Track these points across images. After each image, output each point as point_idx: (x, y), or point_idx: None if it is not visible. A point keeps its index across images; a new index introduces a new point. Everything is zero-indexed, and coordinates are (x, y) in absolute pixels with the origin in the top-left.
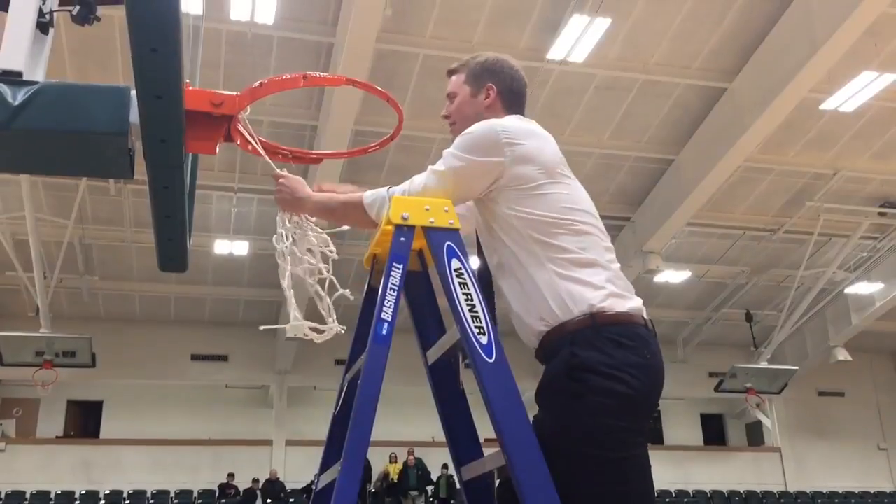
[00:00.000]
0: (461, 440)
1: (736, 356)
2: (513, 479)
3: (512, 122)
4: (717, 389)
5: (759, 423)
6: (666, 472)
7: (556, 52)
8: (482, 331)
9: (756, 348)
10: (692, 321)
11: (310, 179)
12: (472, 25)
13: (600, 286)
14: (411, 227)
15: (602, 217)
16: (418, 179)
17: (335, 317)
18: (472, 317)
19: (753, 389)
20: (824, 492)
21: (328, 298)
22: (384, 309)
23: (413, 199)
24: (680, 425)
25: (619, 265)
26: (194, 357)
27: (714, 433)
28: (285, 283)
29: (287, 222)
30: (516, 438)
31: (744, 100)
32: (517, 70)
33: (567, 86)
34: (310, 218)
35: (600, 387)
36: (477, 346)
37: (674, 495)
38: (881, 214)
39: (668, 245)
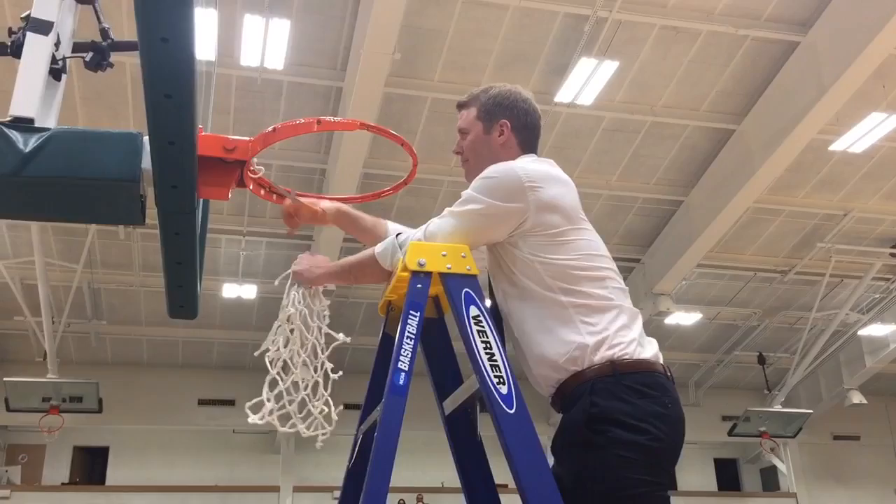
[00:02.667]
0: (479, 491)
1: (749, 399)
2: None
3: (534, 165)
4: (730, 433)
5: (773, 468)
6: None
7: (564, 95)
8: (502, 380)
9: (769, 391)
10: (704, 364)
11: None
12: (480, 69)
13: (621, 333)
14: (428, 274)
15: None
16: (436, 223)
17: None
18: (492, 366)
19: (767, 433)
20: None
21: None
22: (401, 358)
23: (429, 244)
24: (693, 470)
25: (637, 310)
26: (202, 402)
27: (728, 478)
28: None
29: (298, 297)
30: (539, 492)
31: (752, 141)
32: (530, 102)
33: (575, 128)
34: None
35: (622, 439)
36: (497, 396)
37: None
38: (893, 255)
39: (679, 287)
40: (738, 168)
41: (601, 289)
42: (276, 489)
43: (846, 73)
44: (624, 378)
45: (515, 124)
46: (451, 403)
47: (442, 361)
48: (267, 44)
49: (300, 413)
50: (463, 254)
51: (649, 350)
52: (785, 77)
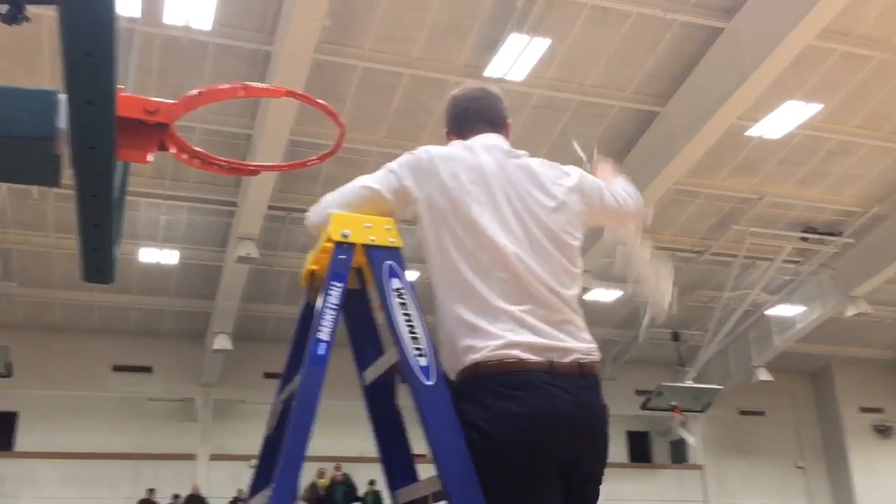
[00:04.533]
0: (396, 463)
1: (663, 375)
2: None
3: (439, 148)
4: (643, 407)
5: (682, 441)
6: None
7: (493, 70)
8: (421, 353)
9: (682, 367)
10: (621, 339)
11: (242, 189)
12: (412, 40)
13: (496, 334)
14: (351, 245)
15: None
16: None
17: None
18: (412, 338)
19: (679, 408)
20: None
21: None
22: (321, 328)
23: (354, 216)
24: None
25: (539, 301)
26: (116, 368)
27: (640, 450)
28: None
29: None
30: (453, 464)
31: (675, 124)
32: (458, 97)
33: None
34: None
35: (477, 444)
36: (415, 368)
37: None
38: (803, 239)
39: (600, 264)
40: (661, 150)
41: (487, 283)
42: (192, 457)
43: (766, 61)
44: (485, 380)
45: (451, 128)
46: (370, 374)
47: (363, 332)
48: (193, 3)
49: None
50: (387, 226)
51: (527, 349)
52: (708, 62)
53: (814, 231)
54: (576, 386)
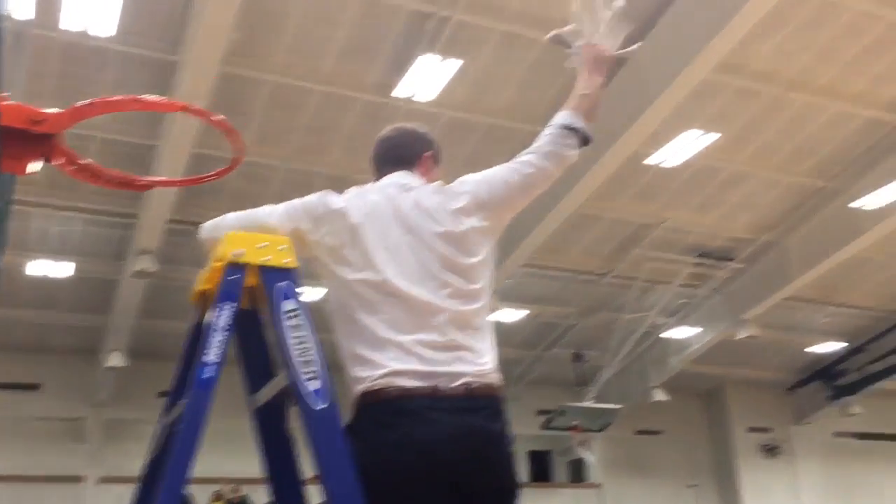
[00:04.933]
0: (285, 488)
1: (563, 395)
2: None
3: (335, 194)
4: (545, 427)
5: (581, 460)
6: None
7: (402, 90)
8: (313, 376)
9: (583, 387)
10: (523, 360)
11: (142, 201)
12: (322, 56)
13: (381, 364)
14: (244, 265)
15: None
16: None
17: None
18: (304, 361)
19: (580, 427)
20: None
21: None
22: (209, 350)
23: (248, 235)
24: None
25: (428, 329)
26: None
27: (540, 470)
28: None
29: None
30: (341, 491)
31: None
32: (376, 140)
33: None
34: None
35: (363, 475)
36: (305, 391)
37: None
38: (698, 264)
39: (504, 284)
40: (566, 174)
41: (372, 316)
42: (79, 479)
43: (667, 91)
44: (367, 411)
45: (373, 172)
46: (262, 397)
47: (255, 354)
48: (93, 8)
49: None
50: (282, 246)
51: (410, 377)
52: (612, 91)
53: (708, 256)
54: (460, 408)
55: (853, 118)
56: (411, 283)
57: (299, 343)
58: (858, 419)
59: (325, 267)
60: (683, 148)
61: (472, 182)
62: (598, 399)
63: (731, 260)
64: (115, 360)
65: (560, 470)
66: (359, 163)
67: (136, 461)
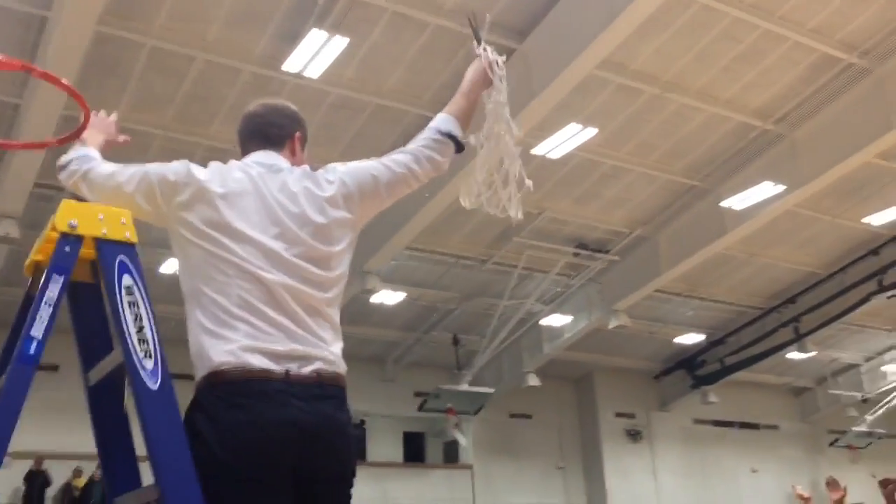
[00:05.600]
0: (118, 468)
1: (441, 377)
2: None
3: (199, 168)
4: (421, 408)
5: (455, 442)
6: (366, 489)
7: (291, 65)
8: (148, 354)
9: (459, 371)
10: (403, 342)
11: (3, 164)
12: (207, 22)
13: (232, 340)
14: (79, 237)
15: None
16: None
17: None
18: (140, 339)
19: (454, 410)
20: None
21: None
22: (35, 325)
23: (85, 205)
24: (384, 443)
25: (282, 311)
26: None
27: (415, 450)
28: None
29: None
30: (173, 472)
31: (466, 136)
32: (244, 114)
33: (300, 99)
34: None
35: (203, 457)
36: (140, 369)
37: None
38: (575, 255)
39: (387, 266)
40: (452, 160)
41: (225, 290)
42: None
43: (553, 84)
44: (216, 389)
45: (239, 147)
46: (95, 374)
47: (91, 330)
48: None
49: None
50: (123, 219)
51: (263, 356)
52: None
53: (585, 247)
54: (312, 395)
55: (725, 121)
56: (269, 265)
57: (136, 320)
58: (715, 407)
59: (181, 238)
60: (565, 140)
61: (341, 172)
62: (474, 383)
63: (606, 252)
64: None
65: (434, 451)
66: None
67: None
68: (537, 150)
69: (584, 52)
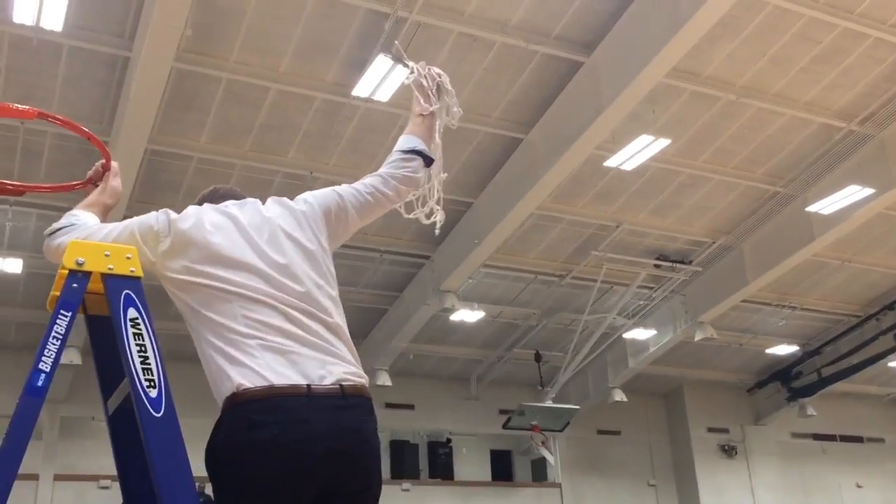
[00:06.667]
0: (134, 493)
1: (524, 394)
2: None
3: (190, 208)
4: (505, 426)
5: (542, 460)
6: None
7: (361, 90)
8: (152, 384)
9: (543, 387)
10: (485, 360)
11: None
12: (279, 54)
13: (247, 360)
14: (87, 273)
15: (402, 255)
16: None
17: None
18: (144, 368)
19: (538, 427)
20: None
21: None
22: (43, 359)
23: (91, 244)
24: (470, 461)
25: (299, 328)
26: None
27: (502, 468)
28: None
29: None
30: (176, 497)
31: (538, 151)
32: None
33: (371, 124)
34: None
35: (223, 472)
36: (144, 398)
37: None
38: (656, 266)
39: (465, 285)
40: (524, 175)
41: (231, 312)
42: (34, 478)
43: (621, 95)
44: (240, 409)
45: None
46: (113, 402)
47: (108, 361)
48: (44, 1)
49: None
50: (128, 255)
51: (283, 375)
52: (569, 93)
53: (666, 259)
54: (335, 407)
55: (806, 124)
56: (266, 285)
57: (140, 351)
58: (813, 420)
59: (174, 282)
60: (640, 151)
61: (311, 196)
62: (558, 399)
63: (688, 263)
64: (70, 356)
65: (521, 469)
66: (317, 162)
67: (91, 458)
68: (610, 163)
69: (652, 60)
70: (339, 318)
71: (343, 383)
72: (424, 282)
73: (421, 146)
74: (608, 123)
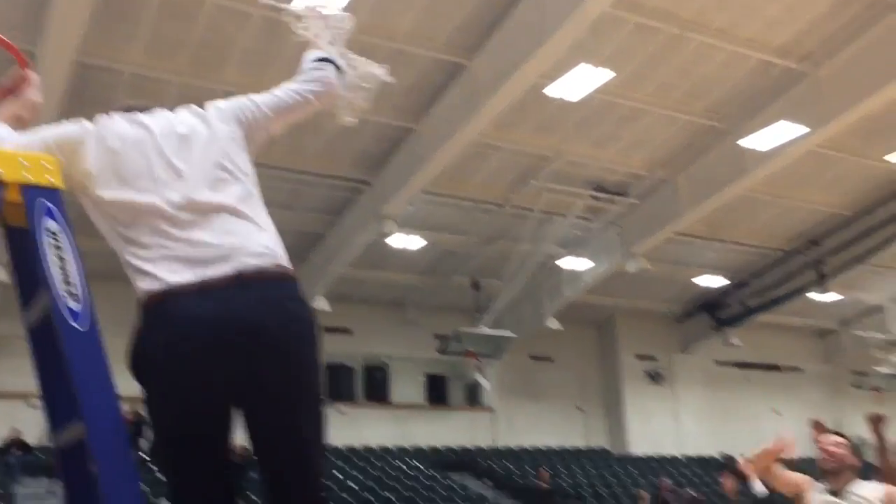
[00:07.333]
0: (58, 405)
1: (461, 321)
2: (89, 454)
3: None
4: (441, 351)
5: (477, 384)
6: (389, 430)
7: (300, 4)
8: (74, 296)
9: (479, 314)
10: (423, 286)
11: None
12: None
13: (149, 270)
14: (2, 183)
15: (341, 179)
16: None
17: None
18: (64, 281)
19: (474, 353)
20: (528, 448)
21: None
22: None
23: (7, 152)
24: (406, 384)
25: (192, 226)
26: None
27: (437, 393)
28: None
29: None
30: (97, 410)
31: (481, 77)
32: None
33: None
34: None
35: (140, 381)
36: (65, 311)
37: (395, 452)
38: (594, 198)
39: (405, 211)
40: (466, 101)
41: (131, 222)
42: None
43: (565, 24)
44: (142, 317)
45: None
46: (31, 317)
47: (28, 274)
48: None
49: None
50: (46, 164)
51: (163, 281)
52: (513, 20)
53: (604, 190)
54: (232, 295)
55: (746, 60)
56: (164, 187)
57: (60, 263)
58: (737, 349)
59: (87, 191)
60: (581, 82)
61: (223, 102)
62: (494, 326)
63: (625, 195)
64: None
65: (456, 393)
66: (258, 80)
67: (21, 376)
68: (552, 92)
69: None
70: (244, 202)
71: (241, 269)
72: (363, 207)
73: (330, 55)
74: (552, 52)
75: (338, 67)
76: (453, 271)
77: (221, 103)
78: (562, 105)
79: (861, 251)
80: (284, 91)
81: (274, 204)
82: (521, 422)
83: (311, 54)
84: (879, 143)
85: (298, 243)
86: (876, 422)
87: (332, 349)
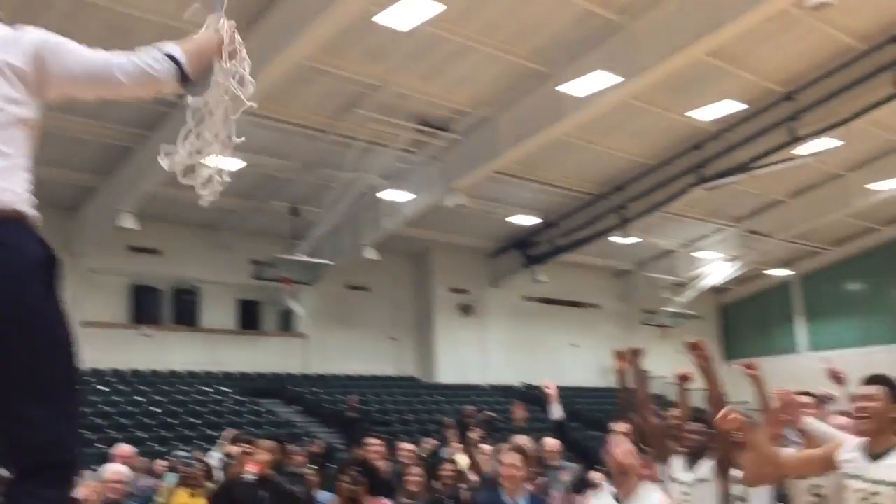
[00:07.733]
0: None
1: (278, 247)
2: None
3: None
4: (256, 277)
5: (290, 311)
6: (198, 355)
7: None
8: None
9: (297, 241)
10: (240, 210)
11: None
12: None
13: None
14: None
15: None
16: None
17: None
18: None
19: (289, 279)
20: (339, 375)
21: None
22: None
23: None
24: (217, 309)
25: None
26: None
27: (250, 318)
28: None
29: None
30: None
31: None
32: None
33: None
34: None
35: None
36: None
37: (202, 376)
38: (418, 131)
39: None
40: (290, 23)
41: None
42: None
43: None
44: None
45: None
46: None
47: None
48: None
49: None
50: None
51: None
52: None
53: (428, 124)
54: None
55: (571, 6)
56: None
57: None
58: (543, 286)
59: None
60: (411, 12)
61: (44, 35)
62: (312, 254)
63: (448, 130)
64: None
65: (269, 319)
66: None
67: None
68: (382, 20)
69: None
70: None
71: None
72: (178, 123)
73: (181, 57)
74: None
75: (182, 75)
76: (272, 196)
77: (39, 33)
78: (392, 35)
79: (660, 198)
80: (106, 61)
81: (78, 112)
82: (334, 349)
83: (168, 46)
84: (683, 99)
85: (104, 157)
86: (694, 349)
87: (139, 270)
